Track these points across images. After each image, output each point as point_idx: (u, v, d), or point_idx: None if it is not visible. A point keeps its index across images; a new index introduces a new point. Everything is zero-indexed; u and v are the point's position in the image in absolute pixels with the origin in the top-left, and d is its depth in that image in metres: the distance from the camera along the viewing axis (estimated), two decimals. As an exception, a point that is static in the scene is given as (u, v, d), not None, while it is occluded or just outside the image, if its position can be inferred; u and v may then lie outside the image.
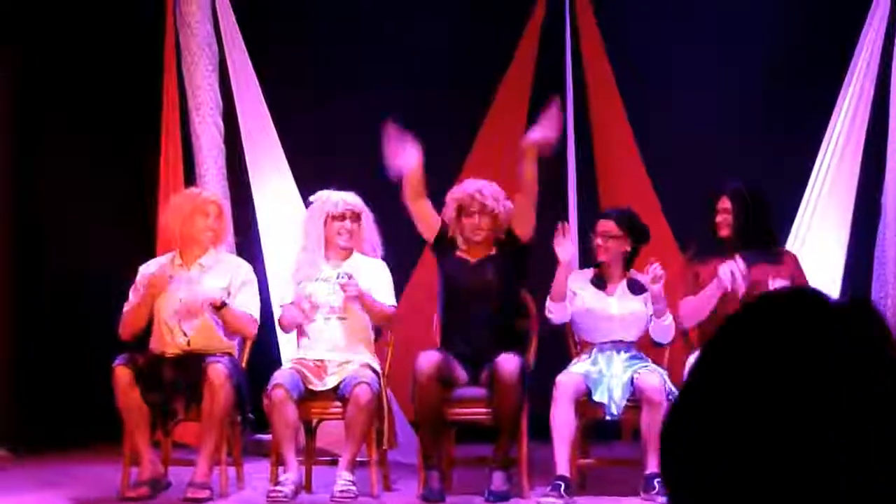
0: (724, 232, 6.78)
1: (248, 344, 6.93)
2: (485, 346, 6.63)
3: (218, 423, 6.45)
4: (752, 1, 8.23)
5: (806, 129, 7.71)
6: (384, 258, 6.95)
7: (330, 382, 6.61)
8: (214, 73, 8.16)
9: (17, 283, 8.37)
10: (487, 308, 6.73)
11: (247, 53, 8.15)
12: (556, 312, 6.77)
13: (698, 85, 8.14)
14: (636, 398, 6.49)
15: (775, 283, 6.50)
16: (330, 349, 6.73)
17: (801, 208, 7.68)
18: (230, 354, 6.73)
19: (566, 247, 6.73)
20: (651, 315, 6.75)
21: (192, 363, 6.54)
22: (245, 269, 6.92)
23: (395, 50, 8.22)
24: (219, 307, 6.69)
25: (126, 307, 6.76)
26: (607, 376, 6.54)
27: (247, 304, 6.80)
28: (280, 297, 7.05)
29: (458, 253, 6.82)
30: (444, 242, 6.84)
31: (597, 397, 6.50)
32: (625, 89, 8.18)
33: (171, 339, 6.69)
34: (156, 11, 8.16)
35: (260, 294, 7.01)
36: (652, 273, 6.59)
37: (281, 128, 8.12)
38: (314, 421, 6.81)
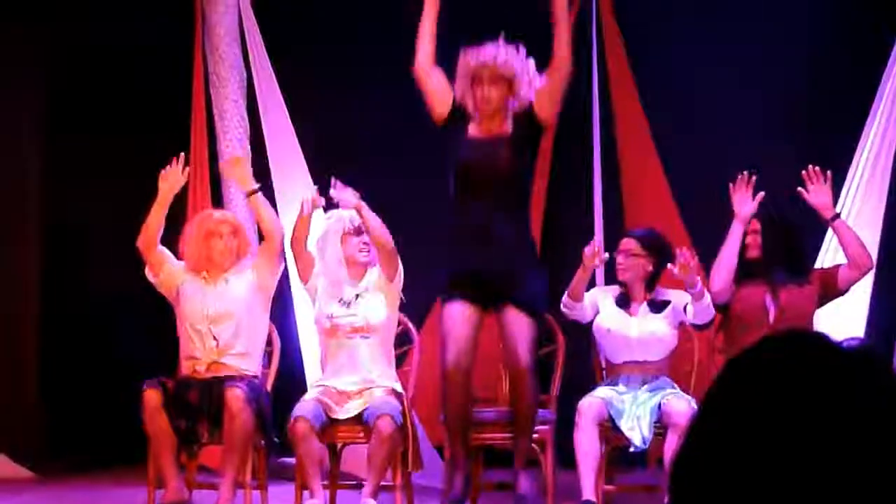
0: (753, 253, 6.75)
1: (274, 368, 6.94)
2: (497, 227, 6.34)
3: (239, 448, 6.46)
4: (777, 27, 8.20)
5: (834, 154, 7.66)
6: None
7: (353, 409, 6.60)
8: (242, 97, 8.20)
9: (45, 303, 8.41)
10: (499, 189, 6.37)
11: (274, 77, 8.19)
12: (571, 310, 6.75)
13: (726, 111, 8.13)
14: (662, 424, 6.47)
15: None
16: (353, 370, 6.69)
17: (829, 233, 7.62)
18: (254, 378, 6.74)
19: (592, 258, 6.67)
20: (684, 310, 6.68)
21: (217, 388, 6.56)
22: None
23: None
24: (250, 193, 6.83)
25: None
26: (633, 406, 6.49)
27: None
28: (307, 324, 7.04)
29: (471, 131, 6.44)
30: (456, 118, 6.48)
31: (623, 425, 6.43)
32: (653, 116, 8.18)
33: (202, 345, 6.70)
34: (185, 36, 8.20)
35: (286, 321, 6.98)
36: (680, 259, 6.53)
37: (308, 153, 8.15)
38: (339, 445, 6.81)
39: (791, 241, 6.75)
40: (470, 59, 6.39)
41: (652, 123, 8.20)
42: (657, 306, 6.78)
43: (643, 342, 6.71)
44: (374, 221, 6.62)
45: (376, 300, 6.75)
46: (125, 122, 8.47)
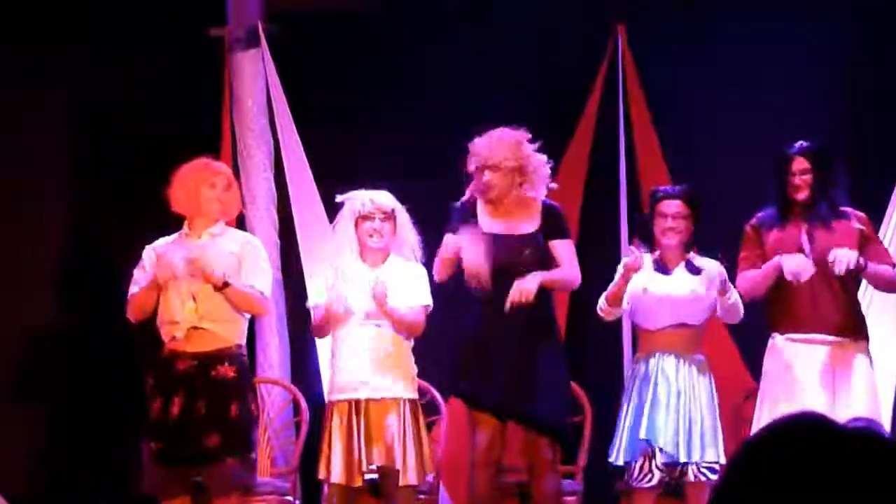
0: (802, 195, 6.48)
1: (302, 438, 6.91)
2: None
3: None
4: (804, 77, 8.11)
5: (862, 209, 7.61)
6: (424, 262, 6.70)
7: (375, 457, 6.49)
8: (270, 167, 8.25)
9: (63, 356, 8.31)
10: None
11: (302, 148, 8.20)
12: (609, 315, 6.59)
13: (749, 165, 8.08)
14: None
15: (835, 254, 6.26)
16: (365, 360, 6.49)
17: (861, 292, 7.54)
18: (237, 351, 6.53)
19: (636, 259, 6.38)
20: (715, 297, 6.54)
21: (198, 381, 6.40)
22: (255, 242, 6.79)
23: (455, 135, 8.16)
24: (220, 288, 6.42)
25: (133, 289, 6.59)
26: (666, 414, 6.43)
27: (254, 280, 6.56)
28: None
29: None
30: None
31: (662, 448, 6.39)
32: (675, 170, 8.16)
33: (180, 306, 6.46)
34: (213, 106, 8.26)
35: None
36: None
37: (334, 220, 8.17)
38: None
39: (836, 177, 6.49)
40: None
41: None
42: (694, 269, 6.58)
43: (685, 301, 6.51)
44: (401, 319, 6.50)
45: (399, 288, 6.54)
46: (152, 193, 8.49)
